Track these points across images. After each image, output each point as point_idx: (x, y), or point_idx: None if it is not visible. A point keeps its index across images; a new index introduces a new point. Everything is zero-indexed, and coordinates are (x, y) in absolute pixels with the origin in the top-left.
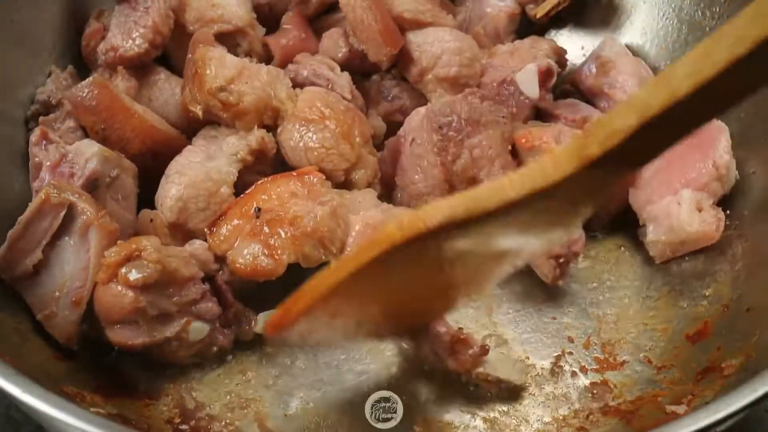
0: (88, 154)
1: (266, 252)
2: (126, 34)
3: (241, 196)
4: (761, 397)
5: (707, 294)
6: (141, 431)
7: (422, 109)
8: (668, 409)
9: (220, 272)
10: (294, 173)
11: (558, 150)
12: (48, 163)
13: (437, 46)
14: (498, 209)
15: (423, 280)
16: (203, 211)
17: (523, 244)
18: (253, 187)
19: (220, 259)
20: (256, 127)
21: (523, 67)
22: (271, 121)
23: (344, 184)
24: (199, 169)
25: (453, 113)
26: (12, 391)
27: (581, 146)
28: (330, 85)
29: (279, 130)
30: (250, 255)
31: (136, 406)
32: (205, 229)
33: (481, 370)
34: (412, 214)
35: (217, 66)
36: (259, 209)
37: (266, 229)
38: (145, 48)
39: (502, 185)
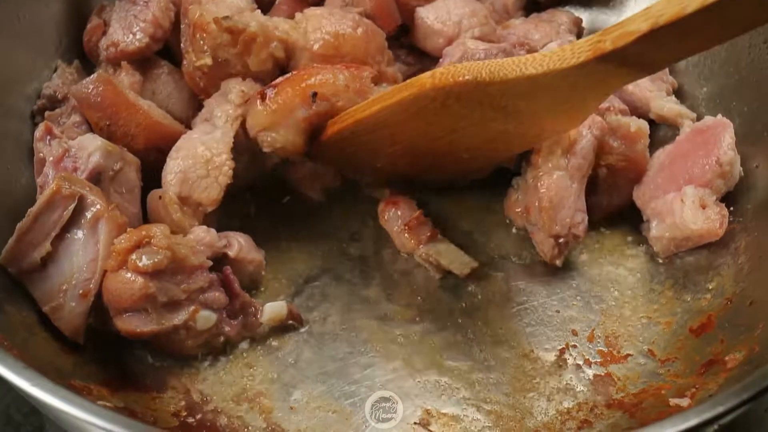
0: (91, 148)
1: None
2: (126, 29)
3: (294, 73)
4: (763, 389)
5: (711, 287)
6: (147, 424)
7: (460, 50)
8: (672, 402)
9: (228, 247)
10: (344, 65)
11: (579, 42)
12: (51, 158)
13: (454, 14)
14: (517, 80)
15: (439, 131)
16: (204, 178)
17: (528, 127)
18: (308, 67)
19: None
20: (241, 82)
21: (546, 44)
22: (282, 53)
23: None
24: (195, 142)
25: (489, 55)
26: (21, 384)
27: (597, 41)
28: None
29: (292, 65)
30: (300, 140)
31: (142, 399)
32: (255, 97)
33: (425, 250)
34: (445, 68)
35: (214, 7)
36: (316, 94)
37: (320, 123)
38: (145, 42)
39: (525, 61)
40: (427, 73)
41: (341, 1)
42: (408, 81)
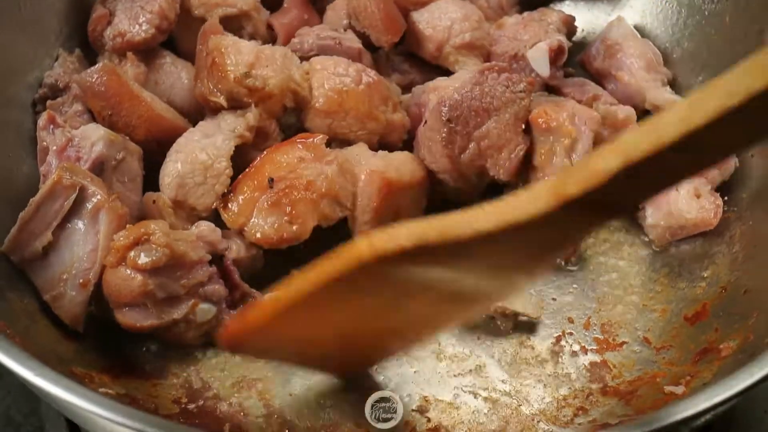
0: (94, 137)
1: (289, 219)
2: (132, 20)
3: (249, 169)
4: (759, 381)
5: (705, 276)
6: (148, 411)
7: (435, 96)
8: (666, 390)
9: (227, 250)
10: (296, 139)
11: (537, 185)
12: (54, 148)
13: (445, 18)
14: (471, 239)
15: (381, 309)
16: (201, 185)
17: (486, 287)
18: (259, 159)
19: (238, 234)
20: (253, 105)
21: (535, 43)
22: (292, 103)
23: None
24: (195, 145)
25: (462, 104)
26: (24, 374)
27: (560, 184)
28: (338, 41)
29: (303, 118)
30: (275, 224)
31: (143, 386)
32: (218, 207)
33: (498, 304)
34: (384, 232)
35: (235, 54)
36: (272, 179)
37: (284, 198)
38: (151, 33)
39: (478, 215)
40: (364, 241)
41: (344, 14)
42: (342, 253)
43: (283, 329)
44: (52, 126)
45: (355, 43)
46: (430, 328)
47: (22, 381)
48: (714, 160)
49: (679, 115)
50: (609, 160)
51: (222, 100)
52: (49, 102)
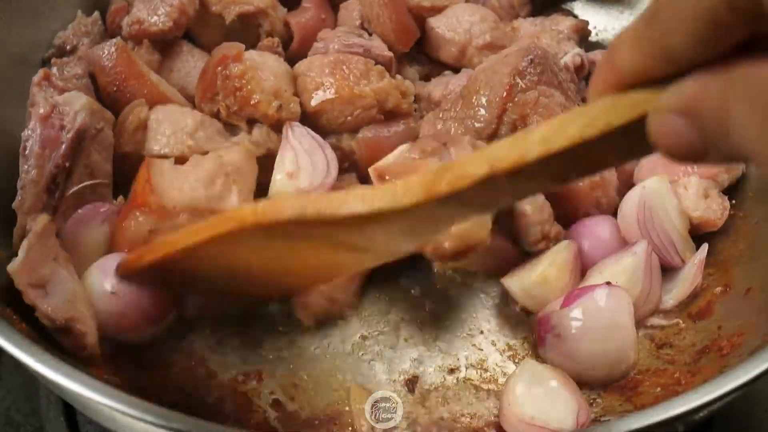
0: (77, 106)
1: None
2: (151, 10)
3: None
4: (756, 377)
5: (710, 273)
6: (152, 401)
7: (524, 44)
8: (668, 388)
9: None
10: None
11: (412, 179)
12: (40, 112)
13: (463, 21)
14: (345, 218)
15: (274, 258)
16: None
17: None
18: None
19: None
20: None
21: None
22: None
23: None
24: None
25: (548, 60)
26: (26, 360)
27: (432, 181)
28: (364, 50)
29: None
30: None
31: (147, 375)
32: None
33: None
34: (268, 203)
35: (264, 81)
36: None
37: None
38: (168, 26)
39: (356, 197)
40: (249, 208)
41: (356, 14)
42: (227, 214)
43: (178, 266)
44: (45, 83)
45: (385, 51)
46: (332, 270)
47: (26, 368)
48: (579, 176)
49: (544, 135)
50: (478, 166)
51: (243, 124)
52: (54, 60)
